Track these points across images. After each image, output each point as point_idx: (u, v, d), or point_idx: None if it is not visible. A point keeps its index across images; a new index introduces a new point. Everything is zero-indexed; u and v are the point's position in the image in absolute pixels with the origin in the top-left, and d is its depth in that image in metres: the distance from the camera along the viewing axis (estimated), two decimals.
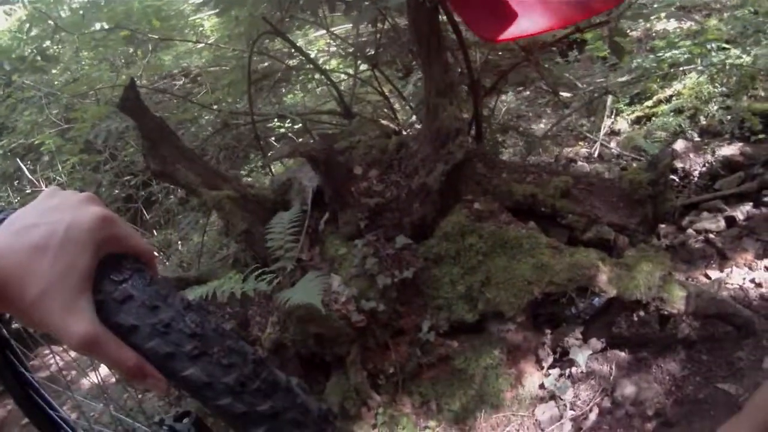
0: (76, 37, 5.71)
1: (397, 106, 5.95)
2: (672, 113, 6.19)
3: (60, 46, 6.81)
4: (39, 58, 5.52)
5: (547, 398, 3.64)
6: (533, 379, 3.70)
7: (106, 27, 5.59)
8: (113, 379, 4.04)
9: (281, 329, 3.59)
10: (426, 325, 3.64)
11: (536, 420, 3.54)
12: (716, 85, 6.18)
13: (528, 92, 6.68)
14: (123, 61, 6.95)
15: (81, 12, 5.99)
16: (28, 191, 6.74)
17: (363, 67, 5.66)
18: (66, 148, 6.15)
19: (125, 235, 0.66)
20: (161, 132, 4.03)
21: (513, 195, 3.98)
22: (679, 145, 5.74)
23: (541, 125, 6.73)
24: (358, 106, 5.85)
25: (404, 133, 5.04)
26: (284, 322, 3.56)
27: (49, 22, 5.69)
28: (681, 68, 6.33)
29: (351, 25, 5.68)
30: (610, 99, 6.46)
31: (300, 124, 6.03)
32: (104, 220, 0.63)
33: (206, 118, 6.29)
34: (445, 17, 3.98)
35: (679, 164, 5.59)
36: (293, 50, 5.55)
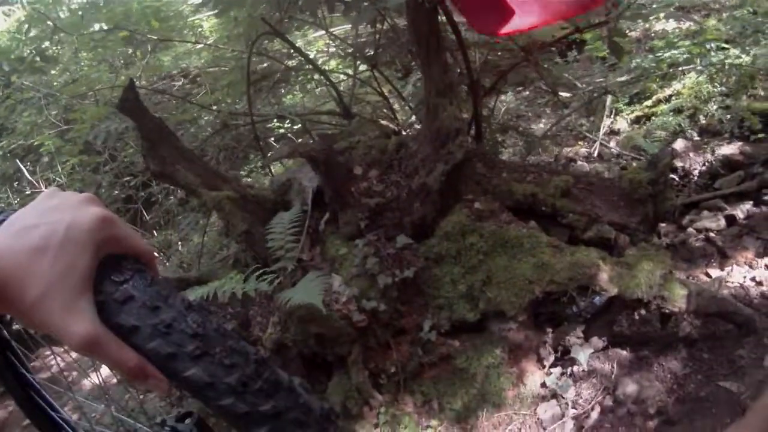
0: (75, 37, 5.70)
1: (396, 106, 5.95)
2: (671, 113, 6.20)
3: (59, 47, 6.81)
4: (38, 59, 5.51)
5: (549, 397, 3.65)
6: (535, 377, 3.70)
7: (105, 28, 5.59)
8: (114, 380, 4.05)
9: (282, 329, 3.59)
10: (427, 324, 3.64)
11: (538, 419, 3.54)
12: (715, 84, 6.19)
13: (527, 92, 6.69)
14: (122, 61, 6.94)
15: (80, 13, 5.97)
16: (27, 192, 6.74)
17: (362, 67, 5.66)
18: (65, 149, 6.15)
19: (125, 236, 0.66)
20: (161, 133, 4.03)
21: (513, 194, 3.98)
22: (679, 144, 5.75)
23: (541, 125, 6.74)
24: (357, 107, 5.85)
25: (404, 133, 5.04)
26: (285, 322, 3.55)
27: (48, 23, 5.69)
28: (680, 68, 6.34)
29: (350, 25, 5.68)
30: (609, 99, 6.47)
31: (299, 125, 6.03)
32: (104, 221, 0.63)
33: (205, 118, 6.28)
34: (444, 17, 3.98)
35: (679, 163, 5.60)
36: (292, 51, 5.55)
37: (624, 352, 3.77)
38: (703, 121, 6.01)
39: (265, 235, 3.81)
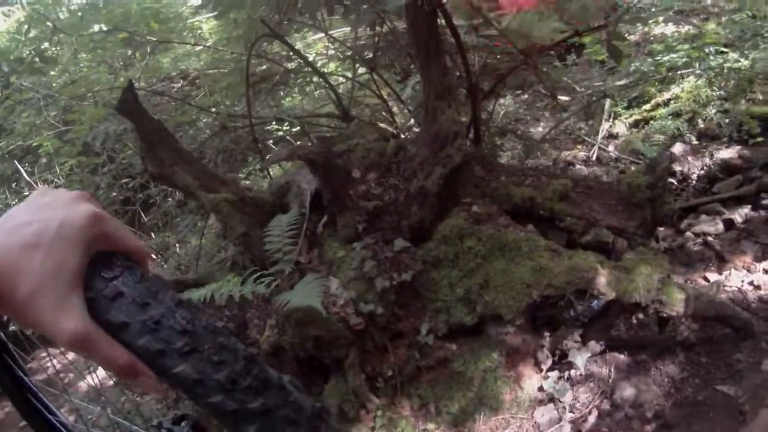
0: (75, 38, 5.70)
1: (395, 109, 5.95)
2: (670, 117, 6.20)
3: (58, 48, 6.80)
4: (37, 59, 5.50)
5: (546, 401, 3.64)
6: (532, 381, 3.70)
7: (105, 29, 5.59)
8: (110, 382, 4.04)
9: (279, 332, 3.58)
10: (424, 327, 3.64)
11: (535, 422, 3.54)
12: (714, 88, 6.20)
13: (526, 96, 6.69)
14: (121, 63, 6.94)
15: (80, 14, 5.97)
16: (26, 193, 6.73)
17: (361, 70, 5.66)
18: (64, 151, 6.14)
19: (116, 233, 0.66)
20: (159, 134, 4.03)
21: (511, 198, 3.98)
22: (678, 148, 5.75)
23: (540, 128, 6.75)
24: (356, 110, 5.85)
25: (402, 136, 5.04)
26: (282, 325, 3.55)
27: (48, 23, 5.69)
28: (679, 72, 6.34)
29: (349, 28, 5.68)
30: (608, 102, 6.47)
31: (298, 127, 6.03)
32: (95, 218, 0.63)
33: (204, 120, 6.28)
34: (443, 21, 3.98)
35: (677, 167, 5.60)
36: (291, 53, 5.54)
37: (621, 356, 3.77)
38: (702, 125, 6.02)
39: (263, 238, 3.81)
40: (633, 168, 5.64)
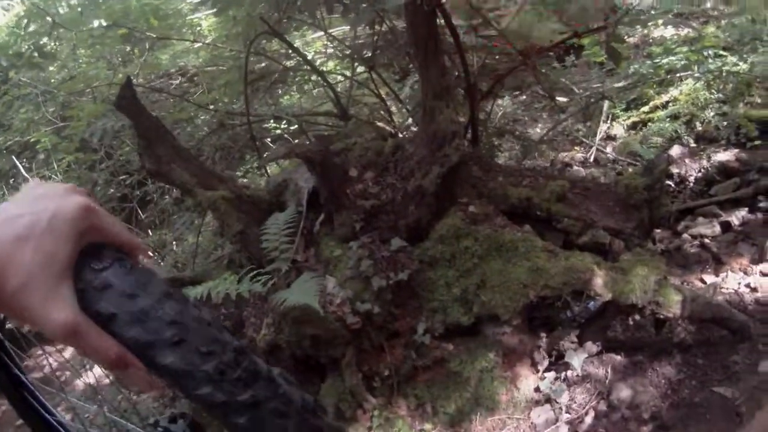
0: (74, 34, 5.69)
1: (393, 108, 5.95)
2: (668, 119, 6.21)
3: (57, 43, 6.79)
4: (36, 54, 5.49)
5: (543, 401, 3.65)
6: (528, 382, 3.70)
7: (104, 24, 5.57)
8: (107, 380, 4.04)
9: (276, 330, 3.58)
10: (421, 327, 3.63)
11: (532, 423, 3.54)
12: (713, 91, 6.21)
13: (525, 96, 6.69)
14: (120, 59, 6.93)
15: (79, 9, 5.96)
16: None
17: (360, 69, 5.66)
18: (62, 147, 6.13)
19: (107, 225, 0.66)
20: (157, 131, 4.02)
21: (508, 198, 3.98)
22: (675, 150, 5.76)
23: (538, 129, 6.75)
24: (354, 108, 5.85)
25: (400, 135, 5.04)
26: (279, 324, 3.55)
27: (47, 18, 5.67)
28: (678, 74, 6.35)
29: (348, 27, 5.68)
30: (606, 104, 6.48)
31: (296, 126, 6.02)
32: (86, 210, 0.64)
33: (202, 118, 6.27)
34: (442, 21, 3.98)
35: (675, 169, 5.61)
36: (290, 51, 5.54)
37: (618, 357, 3.77)
38: (700, 128, 6.03)
39: (260, 236, 3.81)
40: (630, 170, 5.64)
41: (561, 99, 6.21)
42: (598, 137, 6.35)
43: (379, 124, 5.41)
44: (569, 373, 3.73)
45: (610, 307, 3.70)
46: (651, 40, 7.52)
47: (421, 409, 3.61)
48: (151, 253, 6.33)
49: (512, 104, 6.89)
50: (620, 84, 6.43)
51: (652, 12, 5.78)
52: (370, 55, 5.14)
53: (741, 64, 6.09)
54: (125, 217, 6.58)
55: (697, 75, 6.22)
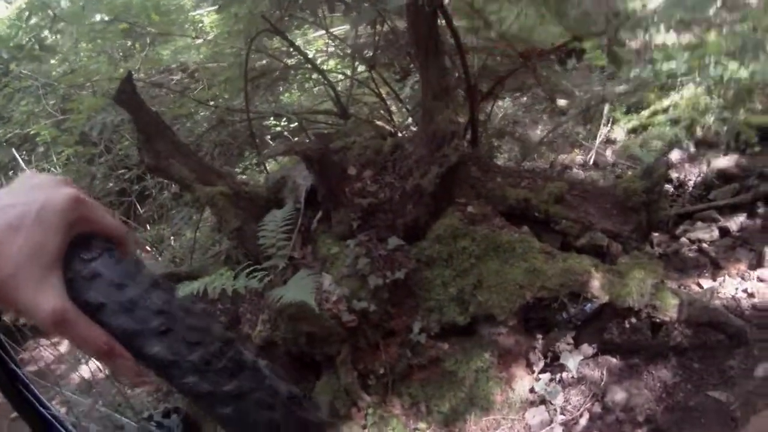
0: (75, 28, 5.69)
1: (393, 108, 5.95)
2: (668, 123, 6.20)
3: (59, 36, 6.79)
4: (37, 47, 5.50)
5: (538, 402, 3.65)
6: (524, 383, 3.70)
7: (106, 19, 5.58)
8: (102, 374, 4.03)
9: (272, 327, 3.59)
10: (417, 326, 3.63)
11: (526, 424, 3.54)
12: (713, 97, 6.20)
13: (525, 98, 6.69)
14: (121, 53, 6.93)
15: (81, 3, 5.96)
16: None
17: (361, 68, 5.66)
18: (61, 140, 6.14)
19: (96, 216, 0.67)
20: (156, 126, 4.03)
21: (507, 199, 3.98)
22: (675, 155, 5.76)
23: (538, 131, 6.74)
24: (354, 107, 5.85)
25: (400, 135, 5.04)
26: (275, 320, 3.56)
27: (49, 11, 5.68)
28: (679, 80, 6.34)
29: (350, 26, 5.68)
30: (606, 108, 6.47)
31: (296, 123, 6.03)
32: (76, 201, 0.65)
33: (202, 114, 6.27)
34: (444, 21, 3.99)
35: (674, 174, 5.61)
36: (291, 49, 5.54)
37: (614, 360, 3.77)
38: (700, 133, 6.02)
39: (258, 232, 3.81)
40: (630, 173, 5.64)
41: (561, 102, 6.22)
42: (598, 140, 6.35)
43: (379, 123, 5.42)
44: (564, 374, 3.73)
45: (607, 310, 3.70)
46: (653, 46, 7.50)
47: (415, 408, 3.61)
48: (148, 248, 6.34)
49: (513, 106, 6.89)
50: (621, 88, 6.42)
51: (655, 17, 5.78)
52: (371, 54, 5.15)
53: (742, 70, 6.09)
54: (123, 211, 6.58)
55: (698, 81, 6.22)
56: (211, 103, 6.03)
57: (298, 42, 6.32)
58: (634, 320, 3.82)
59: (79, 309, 0.61)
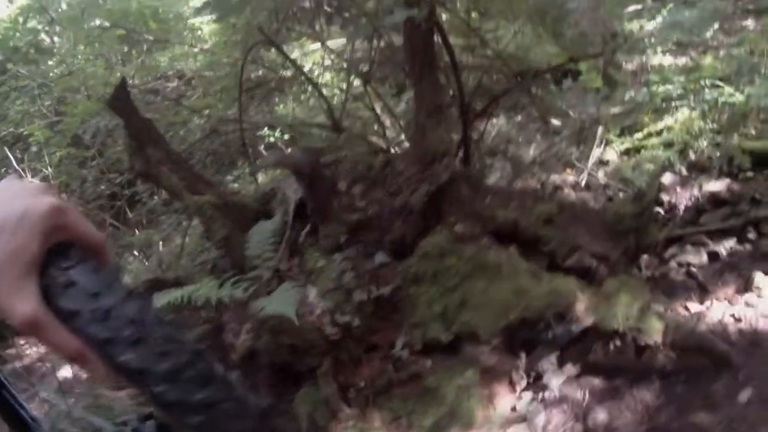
0: (72, 32, 5.71)
1: (387, 123, 5.96)
2: (662, 146, 6.21)
3: (58, 38, 6.81)
4: (32, 50, 5.52)
5: (519, 421, 3.63)
6: (505, 401, 3.69)
7: (106, 24, 5.60)
8: (84, 375, 4.02)
9: (255, 337, 3.59)
10: (400, 342, 3.64)
11: None
12: (708, 121, 6.21)
13: (519, 117, 6.70)
14: (119, 58, 6.95)
15: (80, 7, 5.99)
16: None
17: (356, 83, 5.67)
18: (54, 141, 6.16)
19: (76, 225, 0.68)
20: (149, 133, 4.05)
21: (496, 219, 3.99)
22: (667, 178, 5.76)
23: (531, 151, 6.75)
24: (348, 121, 5.85)
25: (392, 150, 5.05)
26: (258, 331, 3.56)
27: (50, 14, 5.70)
28: (673, 103, 6.36)
29: (346, 40, 5.70)
30: (600, 129, 6.48)
31: (289, 135, 6.04)
32: (57, 209, 0.65)
33: (196, 122, 6.28)
34: (440, 39, 4.01)
35: (665, 197, 5.60)
36: (287, 61, 5.56)
37: (597, 381, 3.76)
38: (693, 157, 6.03)
39: (245, 243, 3.81)
40: (621, 195, 5.65)
41: (555, 122, 6.23)
42: (590, 161, 6.35)
43: (372, 138, 5.42)
44: (547, 394, 3.72)
45: (592, 331, 3.70)
46: (649, 68, 7.53)
47: (396, 423, 3.60)
48: (136, 252, 6.33)
49: (507, 124, 6.89)
50: (616, 110, 6.44)
51: (652, 39, 5.81)
52: (366, 69, 5.16)
53: (737, 95, 6.11)
54: (113, 215, 6.58)
55: (692, 104, 6.24)
56: (206, 112, 6.05)
57: (296, 54, 6.34)
58: (618, 342, 3.81)
59: (54, 315, 0.62)
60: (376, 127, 5.81)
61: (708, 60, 7.12)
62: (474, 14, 4.46)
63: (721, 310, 4.28)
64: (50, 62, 6.95)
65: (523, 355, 3.81)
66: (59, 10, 6.41)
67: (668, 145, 6.19)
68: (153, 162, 4.00)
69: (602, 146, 6.56)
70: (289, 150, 5.88)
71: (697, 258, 4.94)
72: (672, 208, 5.61)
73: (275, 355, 3.56)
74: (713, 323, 4.15)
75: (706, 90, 6.25)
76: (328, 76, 6.78)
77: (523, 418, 3.63)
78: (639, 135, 6.51)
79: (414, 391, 3.65)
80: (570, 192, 6.07)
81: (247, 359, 3.62)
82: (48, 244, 0.64)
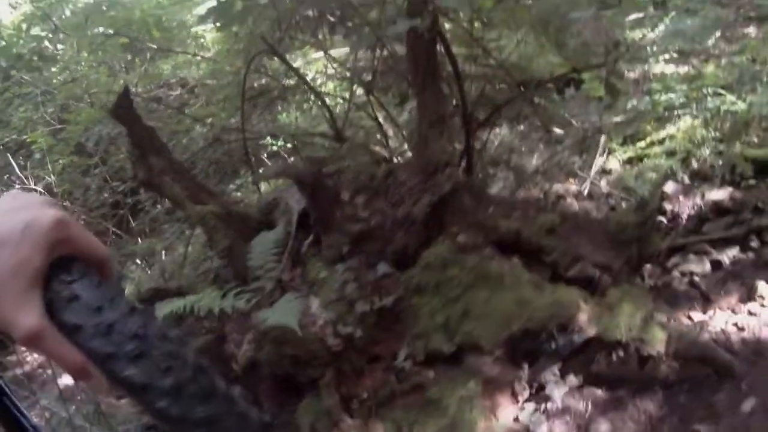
0: (75, 40, 5.72)
1: (390, 132, 5.96)
2: (664, 155, 6.21)
3: (62, 45, 6.83)
4: (36, 58, 5.54)
5: None
6: (508, 412, 3.69)
7: (110, 32, 5.61)
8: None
9: (257, 348, 3.59)
10: (402, 353, 3.63)
11: None
12: (710, 129, 6.21)
13: (522, 127, 6.70)
14: (123, 66, 6.97)
15: (84, 15, 6.00)
16: (17, 187, 6.71)
17: (359, 92, 5.67)
18: (57, 149, 6.17)
19: (79, 238, 0.68)
20: (151, 142, 4.06)
21: (498, 230, 3.98)
22: (670, 187, 5.75)
23: (534, 160, 6.74)
24: (351, 131, 5.86)
25: (395, 160, 5.05)
26: (260, 342, 3.55)
27: (51, 22, 5.71)
28: (676, 111, 6.36)
29: (349, 49, 5.70)
30: (603, 138, 6.48)
31: (292, 143, 6.05)
32: (61, 222, 0.66)
33: (199, 131, 6.29)
34: (442, 48, 4.01)
35: (668, 206, 5.60)
36: (290, 70, 5.56)
37: (599, 391, 3.75)
38: (696, 166, 6.02)
39: (247, 253, 3.82)
40: (624, 204, 5.64)
41: (558, 131, 6.23)
42: (593, 171, 6.35)
43: (375, 148, 5.42)
44: (549, 404, 3.72)
45: (595, 342, 3.69)
46: (651, 76, 7.53)
47: None
48: (138, 261, 6.34)
49: (510, 134, 6.89)
50: (618, 118, 6.43)
51: (654, 47, 5.82)
52: (369, 78, 5.16)
53: (739, 103, 6.11)
54: (116, 223, 6.59)
55: (694, 113, 6.24)
56: (209, 120, 6.05)
57: (299, 63, 6.35)
58: (621, 353, 3.81)
59: (57, 329, 0.62)
60: (378, 136, 5.81)
61: (710, 68, 7.11)
62: (477, 24, 4.46)
63: (724, 319, 4.28)
64: (53, 69, 6.96)
65: (525, 366, 3.80)
66: (63, 17, 6.42)
67: (671, 153, 6.19)
68: (156, 171, 4.00)
69: (605, 155, 6.55)
70: (292, 160, 5.89)
71: (699, 267, 4.93)
72: (674, 217, 5.60)
73: (277, 366, 3.56)
74: (716, 332, 4.14)
75: (708, 98, 6.25)
76: (330, 85, 6.78)
77: (526, 429, 3.62)
78: (641, 144, 6.51)
79: (416, 402, 3.64)
80: (573, 201, 6.06)
81: (249, 370, 3.62)
82: (51, 257, 0.64)
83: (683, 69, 7.19)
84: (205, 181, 5.23)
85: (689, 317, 4.45)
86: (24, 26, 6.26)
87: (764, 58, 6.88)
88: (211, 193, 4.23)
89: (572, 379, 3.77)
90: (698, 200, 5.60)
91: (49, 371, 4.66)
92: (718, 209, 5.48)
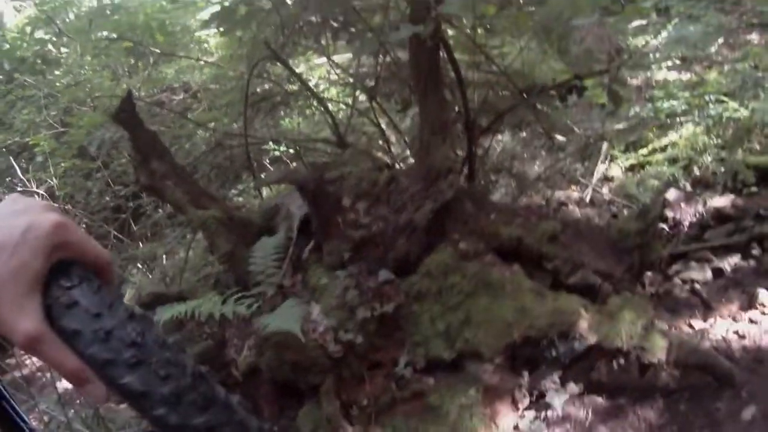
0: (79, 43, 5.73)
1: (392, 138, 5.96)
2: (666, 162, 6.20)
3: (66, 48, 6.84)
4: (39, 61, 5.55)
5: None
6: (508, 420, 3.68)
7: (113, 36, 5.63)
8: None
9: (257, 354, 3.59)
10: (403, 360, 3.63)
11: None
12: (712, 136, 6.21)
13: (524, 134, 6.71)
14: (126, 70, 6.98)
15: (88, 18, 6.01)
16: (18, 190, 6.72)
17: (362, 98, 5.68)
18: (60, 152, 6.18)
19: (79, 243, 0.68)
20: (154, 146, 4.06)
21: (500, 237, 3.98)
22: (671, 194, 5.75)
23: (535, 167, 6.75)
24: (353, 136, 5.86)
25: (397, 167, 5.05)
26: (261, 347, 3.55)
27: (56, 24, 5.72)
28: (678, 119, 6.36)
29: (352, 55, 5.71)
30: (605, 145, 6.48)
31: (295, 149, 6.05)
32: (60, 227, 0.66)
33: (201, 135, 6.29)
34: (445, 55, 4.02)
35: (670, 213, 5.59)
36: (293, 76, 5.57)
37: (600, 399, 3.75)
38: (698, 173, 6.02)
39: (249, 258, 3.82)
40: (625, 212, 5.64)
41: (560, 138, 6.23)
42: (595, 178, 6.35)
43: (377, 154, 5.43)
44: (550, 412, 3.71)
45: (595, 350, 3.69)
46: (654, 83, 7.53)
47: None
48: (140, 265, 6.34)
49: (512, 141, 6.90)
50: (620, 126, 6.44)
51: (657, 54, 5.82)
52: (372, 84, 5.17)
53: (742, 110, 6.11)
54: (118, 227, 6.59)
55: (697, 120, 6.24)
56: (211, 125, 6.06)
57: (301, 68, 6.36)
58: (622, 361, 3.80)
59: (55, 334, 0.62)
60: (381, 142, 5.81)
61: (712, 75, 7.12)
62: (480, 31, 4.46)
63: (725, 327, 4.27)
64: (57, 72, 6.98)
65: (526, 374, 3.80)
66: (66, 21, 6.45)
67: (673, 160, 6.19)
68: (158, 175, 4.00)
69: (607, 162, 6.55)
70: (294, 165, 5.89)
71: (701, 274, 4.93)
72: (676, 224, 5.59)
73: (277, 372, 3.56)
74: (717, 340, 4.14)
75: (711, 105, 6.26)
76: (333, 91, 6.79)
77: None
78: (644, 151, 6.51)
79: (417, 409, 3.64)
80: (574, 208, 6.06)
81: (250, 375, 3.62)
82: (51, 261, 0.64)
83: (686, 76, 7.20)
84: (207, 185, 5.23)
85: (690, 325, 4.45)
86: (28, 29, 6.26)
87: (767, 64, 6.88)
88: (213, 198, 4.23)
89: (573, 387, 3.77)
90: (700, 207, 5.60)
91: (48, 375, 4.66)
92: (720, 216, 5.48)
